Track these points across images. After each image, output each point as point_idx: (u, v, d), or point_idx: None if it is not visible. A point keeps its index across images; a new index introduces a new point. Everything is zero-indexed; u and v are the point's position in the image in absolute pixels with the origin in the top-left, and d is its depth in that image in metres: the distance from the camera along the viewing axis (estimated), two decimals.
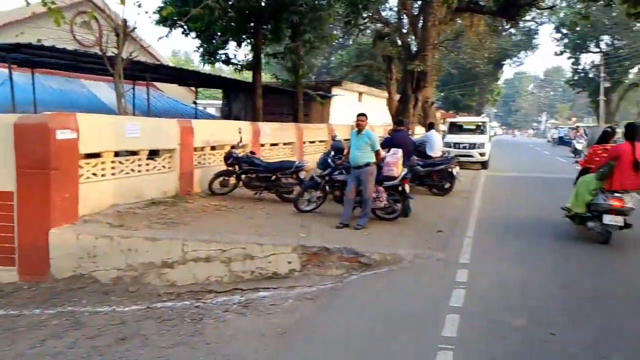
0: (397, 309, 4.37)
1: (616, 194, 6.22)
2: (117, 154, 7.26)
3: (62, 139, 5.91)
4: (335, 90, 20.48)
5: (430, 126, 12.68)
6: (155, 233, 5.98)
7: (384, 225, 7.20)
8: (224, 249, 5.62)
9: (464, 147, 16.38)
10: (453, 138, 17.04)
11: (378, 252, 5.68)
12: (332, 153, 8.05)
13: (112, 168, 7.12)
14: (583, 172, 7.15)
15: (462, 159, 14.37)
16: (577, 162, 8.40)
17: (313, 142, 14.28)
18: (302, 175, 8.69)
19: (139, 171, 7.74)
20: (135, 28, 8.83)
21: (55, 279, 5.67)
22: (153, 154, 8.17)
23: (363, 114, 6.99)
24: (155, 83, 16.50)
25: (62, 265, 5.69)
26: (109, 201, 6.99)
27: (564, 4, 31.61)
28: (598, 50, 40.92)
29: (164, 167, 8.29)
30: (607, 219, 6.18)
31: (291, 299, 4.83)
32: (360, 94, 23.76)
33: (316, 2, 13.23)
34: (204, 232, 6.11)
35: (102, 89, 15.45)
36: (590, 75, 41.93)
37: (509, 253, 6.14)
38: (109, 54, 8.53)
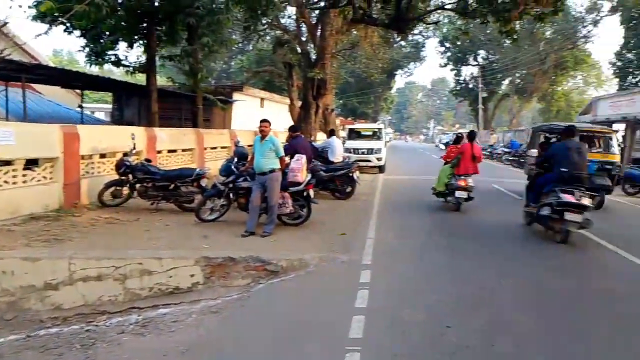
0: (305, 314, 4.37)
1: (462, 177, 9.18)
2: None
3: None
4: (236, 96, 20.15)
5: (331, 133, 13.03)
6: (36, 252, 5.32)
7: (290, 231, 7.19)
8: (118, 266, 5.17)
9: (363, 153, 17.10)
10: (352, 144, 17.69)
11: (285, 259, 5.65)
12: (236, 159, 7.86)
13: None
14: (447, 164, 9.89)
15: (361, 163, 14.99)
16: (441, 157, 10.93)
17: (215, 148, 13.87)
18: (203, 183, 8.35)
19: (14, 183, 6.88)
20: (6, 23, 7.83)
21: None
22: (31, 163, 7.29)
23: (266, 120, 6.92)
24: (32, 85, 14.80)
25: None
26: None
27: (446, 20, 34.63)
28: (476, 63, 45.65)
29: (44, 177, 7.43)
30: (457, 193, 9.21)
31: (195, 314, 4.58)
32: (262, 99, 23.67)
33: (214, 5, 12.87)
34: (94, 248, 5.57)
35: None
36: (470, 86, 46.58)
37: (408, 252, 6.49)
38: None
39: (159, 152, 10.66)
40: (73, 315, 4.80)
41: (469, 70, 47.59)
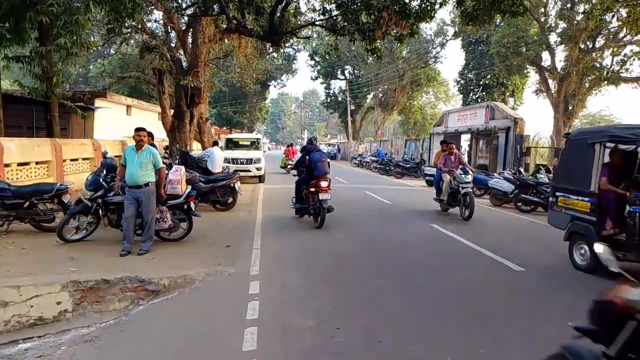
0: (194, 332, 4.18)
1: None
2: None
3: None
4: (99, 102, 18.44)
5: (214, 143, 12.74)
6: None
7: (171, 247, 6.82)
8: None
9: (242, 163, 16.98)
10: (231, 154, 17.45)
11: (167, 277, 5.33)
12: (104, 172, 7.19)
13: None
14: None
15: (241, 173, 14.85)
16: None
17: (75, 160, 12.46)
18: (65, 199, 7.47)
19: None
20: None
21: None
22: None
23: (142, 129, 6.43)
24: None
25: None
26: None
27: (315, 35, 36.22)
28: (344, 77, 48.48)
29: None
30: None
31: (65, 345, 4.07)
32: (129, 107, 22.04)
33: (71, 4, 11.62)
34: None
35: None
36: (340, 99, 49.25)
37: (294, 259, 6.61)
38: None
39: (7, 165, 9.24)
40: None
41: (338, 84, 50.40)
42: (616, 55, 23.81)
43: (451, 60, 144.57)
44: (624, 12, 16.81)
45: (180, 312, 4.68)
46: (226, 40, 19.68)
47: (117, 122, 19.66)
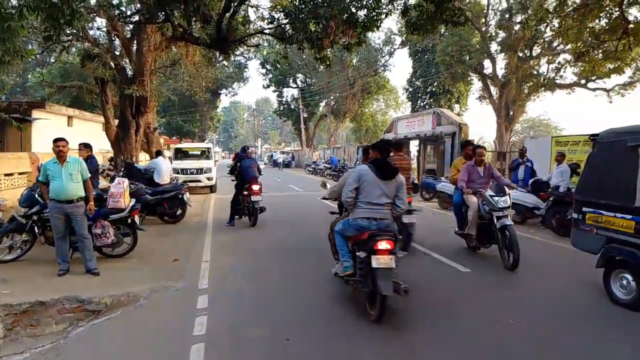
0: (137, 352, 4.00)
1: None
2: None
3: None
4: (37, 113, 17.47)
5: (158, 153, 12.32)
6: None
7: (114, 263, 6.54)
8: None
9: (192, 173, 16.61)
10: (180, 164, 17.03)
11: (109, 295, 5.10)
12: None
13: None
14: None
15: (191, 184, 14.52)
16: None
17: (10, 174, 11.71)
18: None
19: None
20: None
21: None
22: None
23: (62, 139, 6.01)
24: None
25: None
26: None
27: (266, 44, 36.19)
28: (296, 86, 48.67)
29: None
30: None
31: None
32: (70, 117, 21.01)
33: (3, 10, 10.96)
34: None
35: None
36: (292, 107, 49.34)
37: (244, 271, 6.49)
38: None
39: None
40: None
41: (291, 92, 50.52)
42: (551, 63, 25.32)
43: (400, 68, 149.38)
44: (556, 23, 17.97)
45: (122, 332, 4.46)
46: (174, 49, 19.27)
47: (57, 133, 18.55)
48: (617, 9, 10.93)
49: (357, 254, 4.72)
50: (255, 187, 9.83)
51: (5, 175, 11.41)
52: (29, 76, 36.67)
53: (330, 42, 11.85)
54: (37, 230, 6.52)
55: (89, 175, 6.21)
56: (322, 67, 38.16)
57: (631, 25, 10.86)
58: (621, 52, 11.89)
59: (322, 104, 48.40)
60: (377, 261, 4.35)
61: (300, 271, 6.50)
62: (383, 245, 4.40)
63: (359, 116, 45.07)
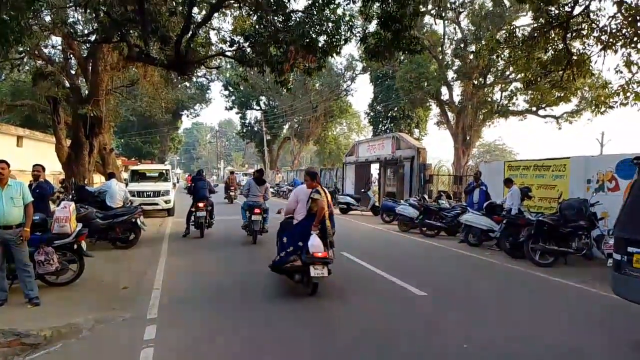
0: None
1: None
2: None
3: None
4: None
5: (110, 175, 11.90)
6: None
7: (58, 292, 6.17)
8: None
9: (149, 195, 16.12)
10: (136, 186, 16.50)
11: (48, 327, 4.77)
12: None
13: None
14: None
15: (147, 207, 14.08)
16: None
17: None
18: None
19: None
20: None
21: None
22: None
23: (2, 161, 5.62)
24: None
25: None
26: None
27: (228, 66, 36.18)
28: (259, 108, 48.73)
29: None
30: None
31: None
32: (20, 137, 20.12)
33: None
34: None
35: None
36: (256, 129, 49.26)
37: (197, 299, 6.22)
38: None
39: None
40: None
41: (254, 114, 50.51)
42: (504, 90, 26.56)
43: (362, 92, 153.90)
44: (506, 53, 18.92)
45: None
46: (132, 69, 18.91)
47: (5, 154, 17.72)
48: (561, 42, 11.61)
49: None
50: (200, 204, 11.65)
51: None
52: None
53: (290, 66, 11.97)
54: None
55: (32, 199, 5.86)
56: (284, 90, 38.52)
57: (574, 57, 11.54)
58: (566, 82, 12.61)
59: (286, 126, 48.60)
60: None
61: (260, 300, 6.32)
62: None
63: (322, 139, 45.49)
